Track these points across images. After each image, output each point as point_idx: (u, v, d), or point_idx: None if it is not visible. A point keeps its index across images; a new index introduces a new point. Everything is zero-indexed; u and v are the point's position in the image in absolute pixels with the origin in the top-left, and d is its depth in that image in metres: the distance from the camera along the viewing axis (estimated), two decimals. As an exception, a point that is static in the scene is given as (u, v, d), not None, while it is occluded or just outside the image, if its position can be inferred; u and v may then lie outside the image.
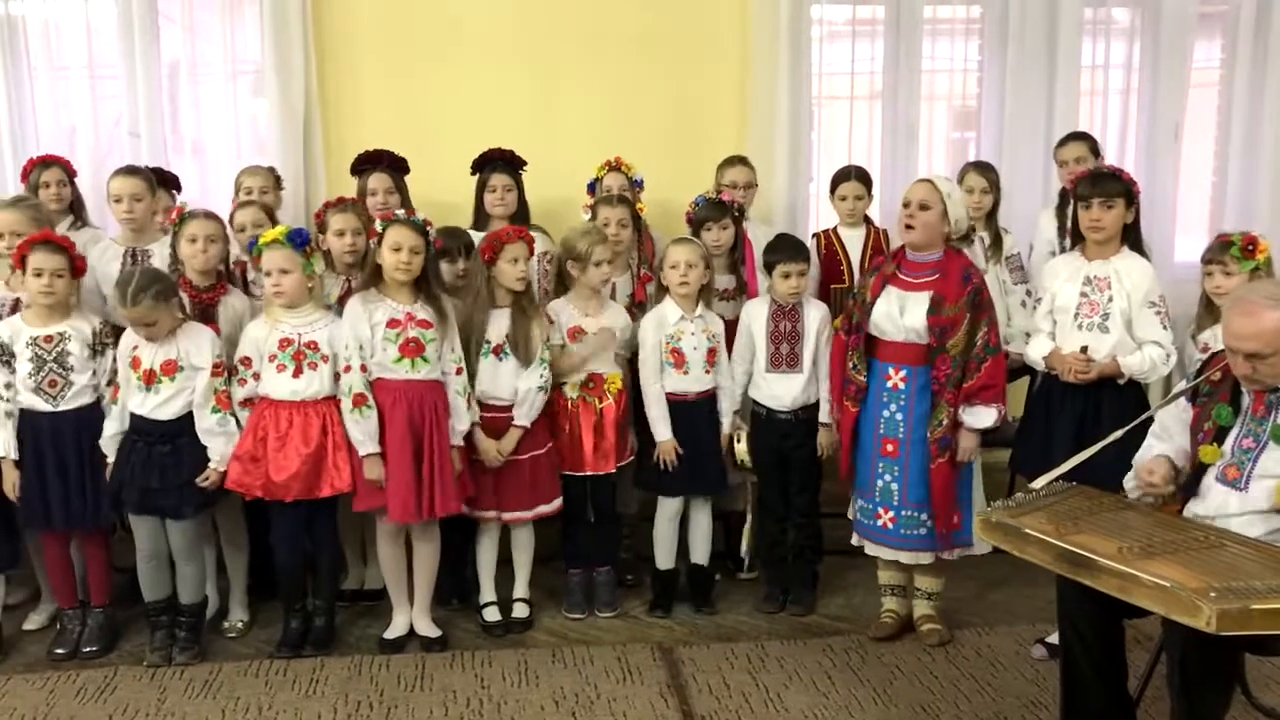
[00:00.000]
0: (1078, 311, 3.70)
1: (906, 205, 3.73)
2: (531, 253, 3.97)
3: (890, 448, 3.78)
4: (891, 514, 3.81)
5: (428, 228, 3.77)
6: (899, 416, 3.77)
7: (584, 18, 5.20)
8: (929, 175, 3.89)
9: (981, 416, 3.68)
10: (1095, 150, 4.64)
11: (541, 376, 3.92)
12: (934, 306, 3.66)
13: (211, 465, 3.71)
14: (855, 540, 3.97)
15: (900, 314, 3.71)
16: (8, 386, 3.72)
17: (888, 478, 3.80)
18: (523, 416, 3.93)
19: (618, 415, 4.07)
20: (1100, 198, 3.64)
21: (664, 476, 4.11)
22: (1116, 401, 3.61)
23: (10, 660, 3.84)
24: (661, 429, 4.08)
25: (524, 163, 4.56)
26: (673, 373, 4.08)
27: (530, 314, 3.93)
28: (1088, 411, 3.64)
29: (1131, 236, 3.74)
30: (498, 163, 4.50)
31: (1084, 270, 3.72)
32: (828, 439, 4.07)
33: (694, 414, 4.09)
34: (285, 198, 4.83)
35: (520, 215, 4.49)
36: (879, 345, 3.80)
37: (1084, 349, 3.65)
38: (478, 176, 4.51)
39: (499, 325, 3.92)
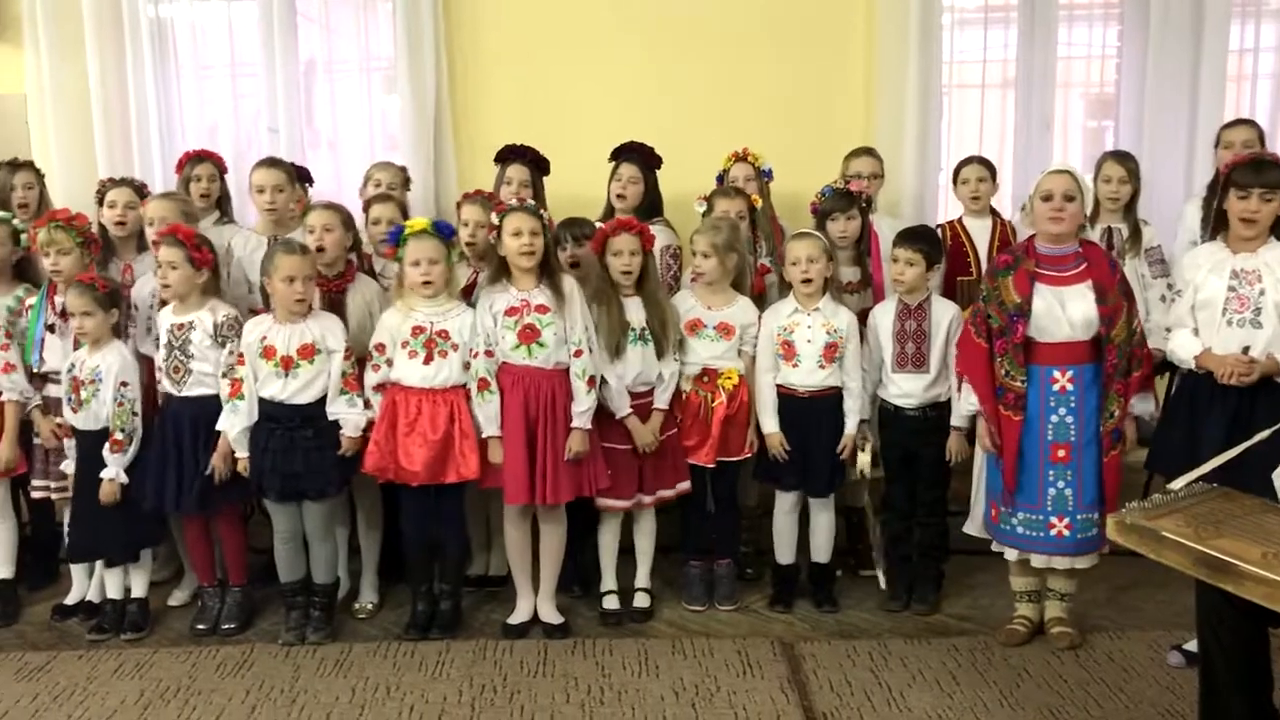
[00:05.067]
0: (1226, 306, 3.54)
1: (1048, 198, 3.59)
2: (649, 245, 3.97)
3: (1061, 453, 3.63)
4: (1067, 521, 3.65)
5: (540, 212, 3.83)
6: (1069, 420, 3.63)
7: (709, 7, 5.20)
8: (1066, 166, 3.73)
9: (1148, 403, 3.66)
10: (1262, 139, 4.45)
11: (677, 360, 3.99)
12: (1100, 296, 3.56)
13: (348, 434, 3.82)
14: (1013, 555, 3.80)
15: (1063, 309, 3.59)
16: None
17: (1060, 484, 3.65)
18: (663, 400, 3.99)
19: (729, 410, 4.04)
20: (1262, 188, 3.46)
21: (776, 469, 4.09)
22: (1273, 400, 3.43)
23: (156, 634, 4.03)
24: (768, 421, 4.05)
25: (659, 159, 4.57)
26: (783, 365, 4.04)
27: (663, 300, 4.00)
28: (1241, 411, 3.46)
29: (1278, 228, 3.57)
30: (630, 154, 4.54)
31: (1230, 263, 3.55)
32: (958, 445, 3.95)
33: (804, 411, 4.03)
34: (415, 191, 4.94)
35: (648, 209, 4.51)
36: (1037, 349, 3.64)
37: (1245, 350, 3.49)
38: (612, 167, 4.57)
39: (638, 312, 3.97)
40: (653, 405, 4.00)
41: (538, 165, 4.59)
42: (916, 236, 4.01)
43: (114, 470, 3.86)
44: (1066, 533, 3.67)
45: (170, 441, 3.86)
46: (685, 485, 4.09)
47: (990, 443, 3.73)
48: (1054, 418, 3.65)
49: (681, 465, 4.08)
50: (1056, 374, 3.64)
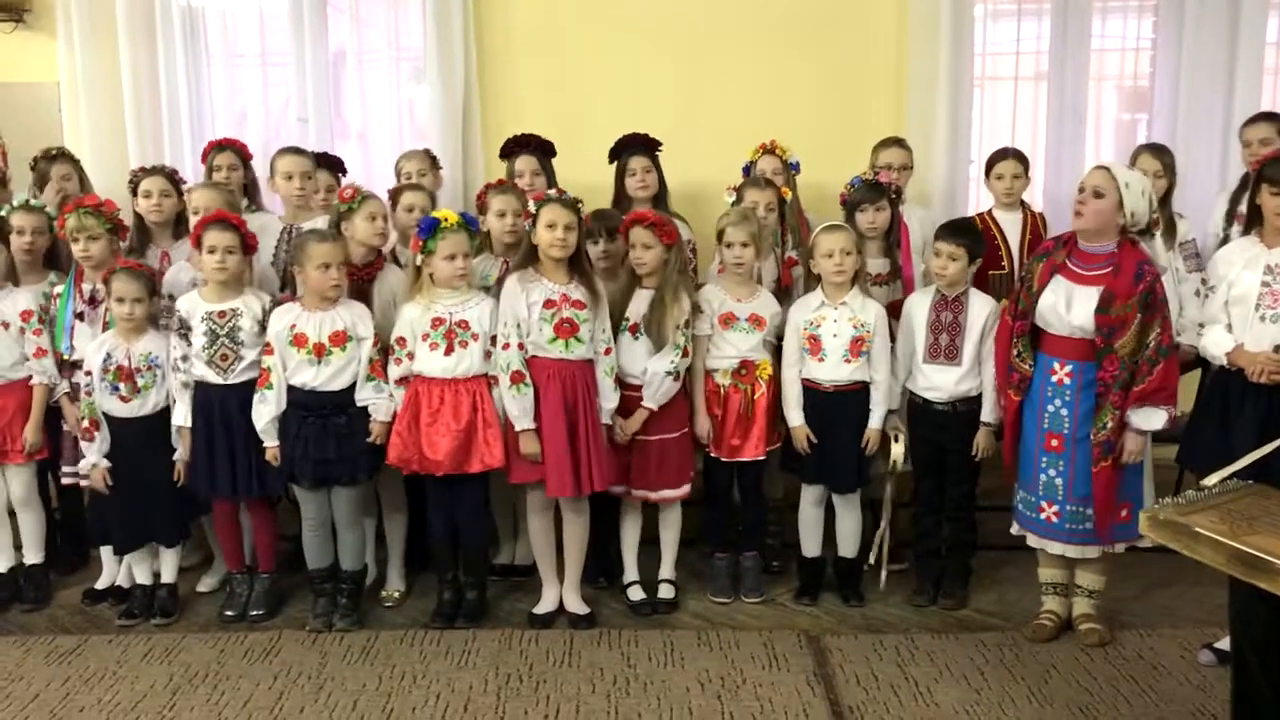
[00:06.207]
0: (1259, 302, 3.51)
1: (1081, 191, 3.59)
2: (671, 239, 3.93)
3: (1055, 443, 3.66)
4: (1055, 509, 3.69)
5: (579, 205, 3.82)
6: (1064, 412, 3.64)
7: (737, -1, 5.19)
8: (1109, 163, 3.71)
9: (1152, 418, 3.54)
10: None
11: (672, 362, 3.90)
12: (1103, 304, 3.51)
13: (378, 419, 3.83)
14: (1015, 530, 3.85)
15: (1066, 308, 3.57)
16: (184, 359, 3.89)
17: (1051, 473, 3.68)
18: (649, 399, 3.94)
19: (769, 402, 4.04)
20: None
21: (801, 461, 4.08)
22: None
23: (185, 619, 4.06)
24: (794, 414, 4.04)
25: (659, 144, 4.54)
26: (809, 359, 4.02)
27: (668, 298, 3.92)
28: (1273, 409, 3.44)
29: None
30: (637, 146, 4.51)
31: (1264, 258, 3.51)
32: (986, 441, 3.94)
33: (828, 406, 4.01)
34: (444, 181, 4.94)
35: (660, 198, 4.50)
36: (1045, 338, 3.67)
37: (1277, 348, 3.45)
38: (616, 162, 4.53)
39: (639, 305, 3.95)
40: (640, 401, 3.95)
41: (544, 150, 4.58)
42: (959, 231, 3.98)
43: (183, 451, 3.93)
44: (1055, 520, 3.70)
45: (219, 430, 3.87)
46: (682, 491, 4.05)
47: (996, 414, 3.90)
48: (1050, 408, 3.68)
49: (681, 471, 4.04)
50: (1056, 366, 3.66)
